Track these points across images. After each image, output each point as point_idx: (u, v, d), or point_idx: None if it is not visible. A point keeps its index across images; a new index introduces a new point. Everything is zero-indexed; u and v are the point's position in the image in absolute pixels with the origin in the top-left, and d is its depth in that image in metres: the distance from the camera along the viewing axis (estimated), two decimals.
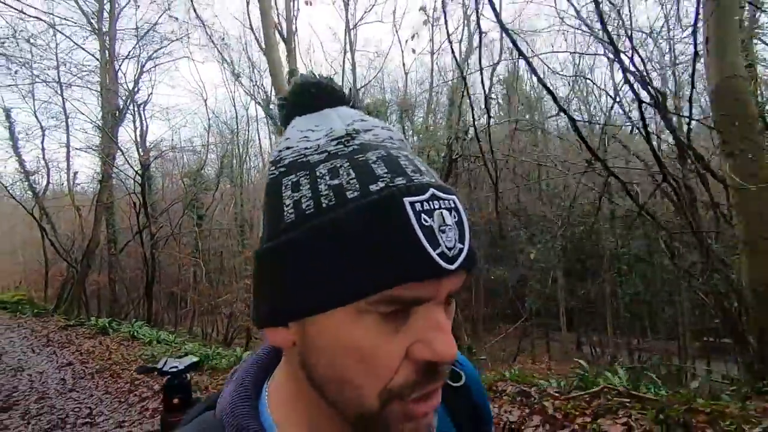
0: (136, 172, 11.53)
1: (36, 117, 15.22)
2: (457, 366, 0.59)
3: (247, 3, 11.31)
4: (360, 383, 0.38)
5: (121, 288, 17.11)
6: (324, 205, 0.38)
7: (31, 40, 12.10)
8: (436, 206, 0.38)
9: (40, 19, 11.94)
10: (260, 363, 0.51)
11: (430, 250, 0.36)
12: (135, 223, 13.30)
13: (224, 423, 0.44)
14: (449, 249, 0.37)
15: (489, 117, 6.40)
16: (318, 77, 0.47)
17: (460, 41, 13.27)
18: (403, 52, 13.00)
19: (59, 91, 14.34)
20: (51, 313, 13.42)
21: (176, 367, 2.16)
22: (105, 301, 16.19)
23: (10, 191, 14.83)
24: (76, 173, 17.91)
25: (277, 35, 9.69)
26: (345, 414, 0.40)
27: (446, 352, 0.37)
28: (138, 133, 15.73)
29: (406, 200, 0.37)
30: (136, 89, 14.23)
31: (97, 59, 13.24)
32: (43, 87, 14.49)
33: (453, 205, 0.39)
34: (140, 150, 9.22)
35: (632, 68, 4.85)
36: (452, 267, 0.37)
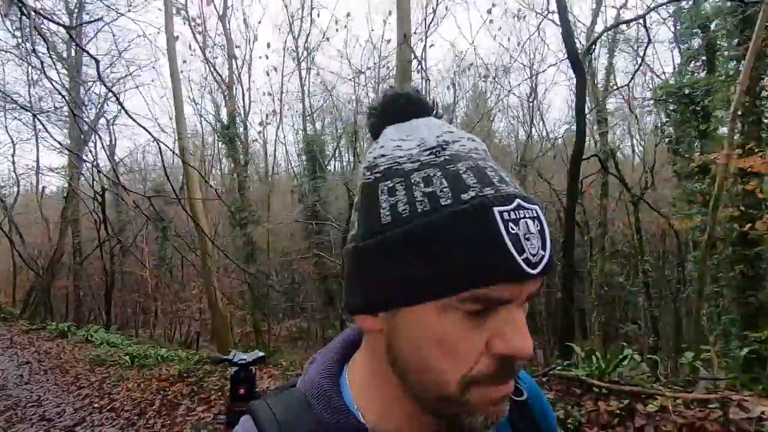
0: (96, 192, 12.82)
1: (8, 133, 16.43)
2: (519, 382, 0.60)
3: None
4: (442, 370, 0.43)
5: (86, 294, 18.31)
6: (419, 210, 0.43)
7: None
8: (521, 215, 0.42)
9: (12, 53, 13.21)
10: (341, 347, 0.57)
11: (516, 255, 0.40)
12: (97, 237, 14.57)
13: (308, 397, 0.51)
14: (533, 255, 0.41)
15: None
16: (407, 90, 0.53)
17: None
18: (355, 80, 14.23)
19: (30, 113, 15.61)
20: (17, 318, 14.56)
21: (244, 359, 2.23)
22: (72, 307, 17.32)
23: None
24: (44, 188, 19.03)
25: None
26: (424, 397, 0.45)
27: (522, 348, 0.42)
28: (107, 148, 17.08)
29: (496, 210, 0.41)
30: (102, 112, 15.51)
31: (65, 86, 14.53)
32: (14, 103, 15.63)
33: (536, 215, 0.43)
34: (101, 171, 10.51)
35: None
36: (535, 272, 0.41)
